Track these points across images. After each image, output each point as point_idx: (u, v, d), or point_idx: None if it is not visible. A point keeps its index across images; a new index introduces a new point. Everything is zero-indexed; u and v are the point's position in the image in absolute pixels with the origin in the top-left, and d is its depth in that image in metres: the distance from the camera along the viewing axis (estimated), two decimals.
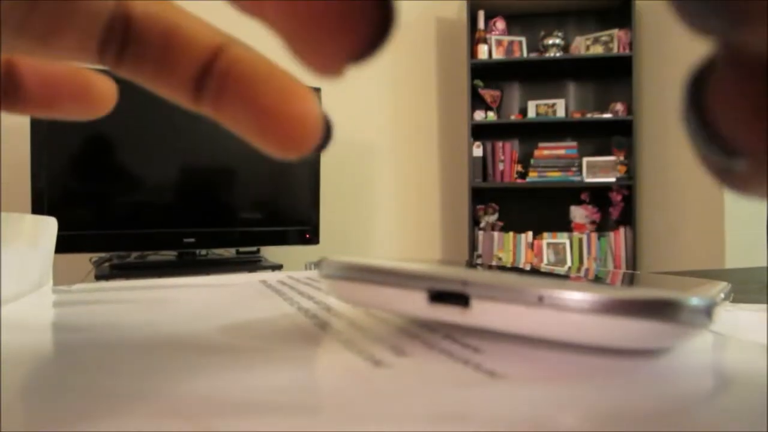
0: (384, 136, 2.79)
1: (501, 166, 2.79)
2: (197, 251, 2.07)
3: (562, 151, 2.78)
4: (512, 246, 2.79)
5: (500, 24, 2.81)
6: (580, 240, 2.75)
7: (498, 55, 2.75)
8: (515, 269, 0.23)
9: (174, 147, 2.01)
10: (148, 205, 1.99)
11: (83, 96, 0.15)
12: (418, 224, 2.87)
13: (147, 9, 0.12)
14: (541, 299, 0.15)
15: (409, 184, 2.86)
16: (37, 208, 1.78)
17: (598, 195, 2.81)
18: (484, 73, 2.80)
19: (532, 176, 2.76)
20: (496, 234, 2.81)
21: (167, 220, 1.99)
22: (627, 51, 2.63)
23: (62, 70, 0.15)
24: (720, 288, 0.18)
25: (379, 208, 2.80)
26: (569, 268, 0.27)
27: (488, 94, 2.83)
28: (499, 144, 2.80)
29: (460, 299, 0.17)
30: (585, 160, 2.74)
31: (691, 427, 0.11)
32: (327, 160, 2.31)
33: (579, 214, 2.82)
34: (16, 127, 2.06)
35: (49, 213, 0.31)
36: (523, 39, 2.80)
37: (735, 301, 0.25)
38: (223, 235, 2.07)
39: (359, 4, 0.10)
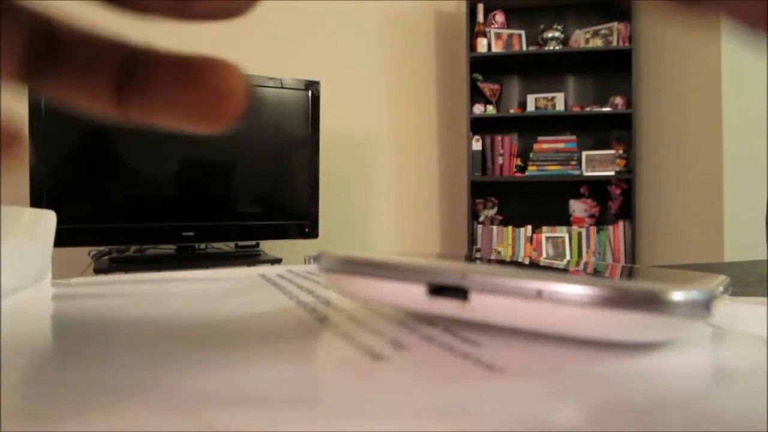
0: (383, 130, 2.79)
1: (500, 160, 2.79)
2: (196, 245, 2.07)
3: (561, 145, 2.78)
4: (511, 240, 2.79)
5: (499, 17, 2.80)
6: (579, 234, 2.76)
7: (497, 48, 2.74)
8: (514, 263, 0.23)
9: (173, 140, 2.01)
10: (147, 198, 1.98)
11: None
12: (417, 218, 2.87)
13: (64, 16, 0.12)
14: (539, 293, 0.15)
15: (408, 178, 2.85)
16: (36, 201, 1.78)
17: (597, 189, 2.81)
18: (484, 67, 2.80)
19: (531, 170, 2.76)
20: (495, 228, 2.81)
21: (166, 213, 1.99)
22: (626, 44, 2.63)
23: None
24: (719, 281, 0.18)
25: (378, 202, 2.80)
26: (568, 261, 0.27)
27: (487, 88, 2.83)
28: (498, 138, 2.79)
29: (459, 293, 0.17)
30: (584, 153, 2.74)
31: (691, 421, 0.11)
32: (326, 154, 2.31)
33: (578, 207, 2.82)
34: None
35: (48, 206, 0.31)
36: (523, 32, 2.79)
37: (734, 294, 0.25)
38: (223, 228, 2.07)
39: None
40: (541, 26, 2.77)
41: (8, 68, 0.12)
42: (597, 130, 2.79)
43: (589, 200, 2.81)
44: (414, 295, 0.17)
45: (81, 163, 1.89)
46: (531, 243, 2.78)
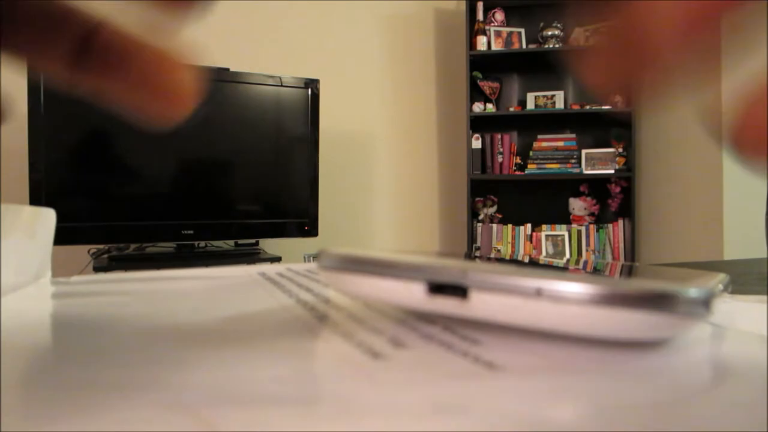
0: (382, 128, 2.79)
1: (500, 158, 2.79)
2: (196, 243, 2.07)
3: (560, 143, 2.78)
4: (511, 238, 2.79)
5: (499, 15, 2.80)
6: (579, 232, 2.76)
7: (497, 46, 2.74)
8: (514, 261, 0.23)
9: (173, 138, 2.01)
10: (146, 196, 1.98)
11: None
12: (417, 216, 2.87)
13: None
14: (539, 291, 0.15)
15: (407, 177, 2.85)
16: (35, 199, 1.78)
17: (597, 187, 2.81)
18: (483, 65, 2.80)
19: (531, 168, 2.76)
20: (494, 226, 2.81)
21: (166, 212, 1.99)
22: None
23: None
24: (719, 279, 0.18)
25: (377, 200, 2.80)
26: (568, 260, 0.27)
27: (487, 86, 2.83)
28: (498, 136, 2.79)
29: (459, 291, 0.17)
30: (584, 152, 2.74)
31: (691, 419, 0.11)
32: (325, 152, 2.31)
33: (578, 206, 2.82)
34: (14, 116, 2.05)
35: (47, 204, 0.31)
36: (522, 30, 2.79)
37: (734, 292, 0.25)
38: (222, 227, 2.07)
39: None
40: (541, 24, 2.77)
41: None
42: (597, 128, 2.79)
43: (588, 198, 2.81)
44: (414, 293, 0.17)
45: (80, 161, 1.89)
46: (531, 241, 2.78)
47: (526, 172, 2.77)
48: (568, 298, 0.15)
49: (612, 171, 2.70)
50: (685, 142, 2.54)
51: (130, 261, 1.94)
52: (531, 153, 2.78)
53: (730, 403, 0.12)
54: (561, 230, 2.77)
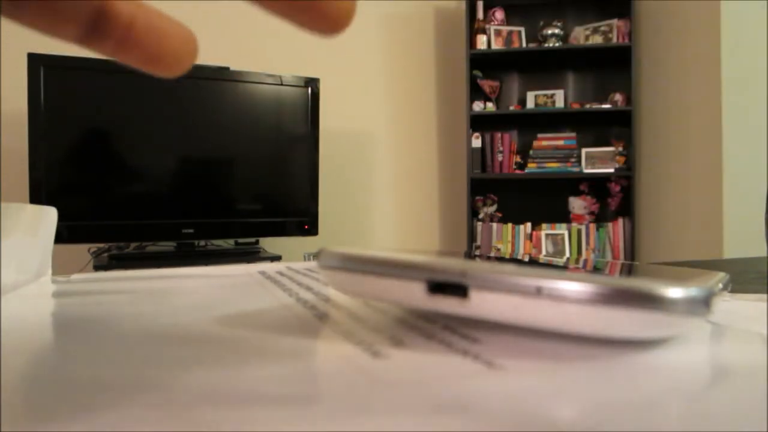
0: (383, 127, 2.79)
1: (500, 157, 2.79)
2: (196, 242, 2.07)
3: (560, 142, 2.78)
4: (511, 237, 2.79)
5: (499, 14, 2.80)
6: (579, 231, 2.76)
7: (497, 45, 2.74)
8: (514, 260, 0.23)
9: (173, 137, 2.01)
10: (146, 195, 1.98)
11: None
12: (417, 215, 2.87)
13: None
14: (539, 290, 0.15)
15: (407, 175, 2.85)
16: (35, 198, 1.78)
17: (597, 186, 2.81)
18: (483, 64, 2.79)
19: (531, 167, 2.76)
20: (494, 225, 2.81)
21: (166, 210, 1.99)
22: (626, 41, 2.63)
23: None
24: (718, 278, 0.18)
25: (377, 199, 2.80)
26: (568, 259, 0.27)
27: (487, 85, 2.82)
28: (498, 135, 2.79)
29: (459, 290, 0.17)
30: (584, 150, 2.74)
31: (691, 417, 0.11)
32: (326, 151, 2.31)
33: (577, 204, 2.82)
34: (15, 116, 2.06)
35: (48, 203, 0.31)
36: (522, 29, 2.79)
37: (734, 291, 0.25)
38: (222, 226, 2.07)
39: None
40: (541, 23, 2.76)
41: None
42: (597, 127, 2.79)
43: (588, 197, 2.81)
44: (414, 292, 0.17)
45: (81, 160, 1.89)
46: (530, 240, 2.78)
47: (526, 171, 2.77)
48: (567, 297, 0.15)
49: (612, 170, 2.69)
50: (685, 141, 2.54)
51: (131, 260, 1.94)
52: (531, 152, 2.78)
53: (730, 402, 0.12)
54: (561, 229, 2.77)
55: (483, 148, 2.78)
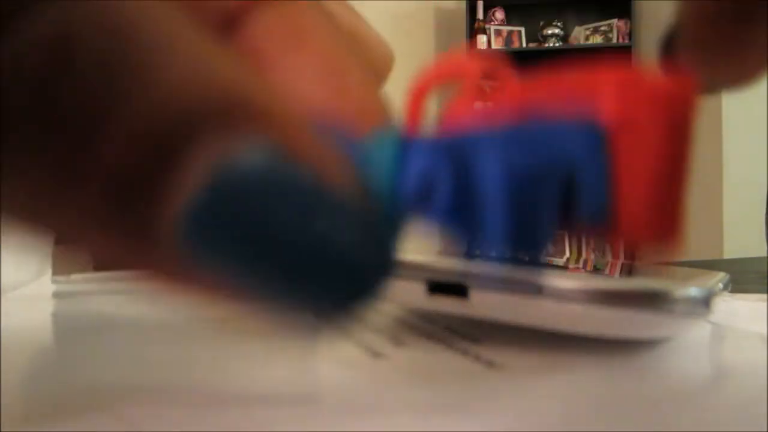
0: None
1: None
2: None
3: None
4: None
5: (499, 14, 2.80)
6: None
7: (497, 45, 2.74)
8: (514, 260, 0.23)
9: None
10: None
11: None
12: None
13: None
14: (539, 290, 0.15)
15: None
16: None
17: None
18: None
19: None
20: None
21: None
22: (626, 41, 2.63)
23: None
24: (718, 278, 0.18)
25: None
26: (568, 259, 0.27)
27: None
28: None
29: (459, 290, 0.17)
30: None
31: (690, 417, 0.11)
32: None
33: None
34: None
35: None
36: (522, 29, 2.79)
37: (733, 291, 0.25)
38: None
39: None
40: (541, 23, 2.76)
41: None
42: None
43: None
44: (414, 292, 0.17)
45: None
46: None
47: None
48: (568, 297, 0.15)
49: None
50: None
51: None
52: None
53: (730, 402, 0.12)
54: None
55: None
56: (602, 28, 2.70)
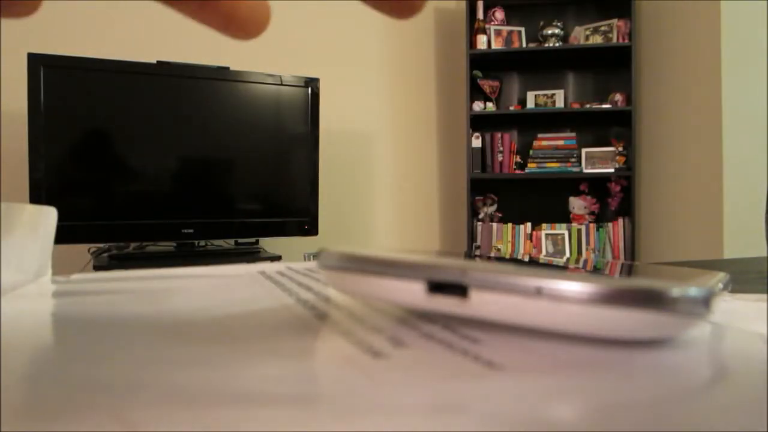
0: (383, 127, 2.79)
1: (500, 157, 2.79)
2: (196, 242, 2.07)
3: (560, 142, 2.78)
4: (511, 237, 2.79)
5: (499, 14, 2.80)
6: (579, 231, 2.76)
7: (497, 45, 2.74)
8: (514, 260, 0.23)
9: (173, 137, 2.01)
10: (146, 195, 1.98)
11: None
12: (417, 215, 2.87)
13: None
14: (539, 290, 0.15)
15: (407, 175, 2.85)
16: (35, 198, 1.78)
17: (597, 186, 2.81)
18: (483, 64, 2.79)
19: (531, 167, 2.76)
20: (494, 225, 2.81)
21: (166, 210, 1.99)
22: (626, 41, 2.63)
23: None
24: (718, 278, 0.18)
25: (377, 199, 2.80)
26: (568, 259, 0.27)
27: (487, 85, 2.82)
28: (498, 135, 2.79)
29: (459, 290, 0.17)
30: (584, 150, 2.74)
31: (690, 418, 0.11)
32: (325, 151, 2.31)
33: (578, 204, 2.82)
34: (15, 116, 2.06)
35: (48, 203, 0.31)
36: (522, 29, 2.79)
37: (734, 291, 0.25)
38: (222, 226, 2.07)
39: None
40: (541, 23, 2.76)
41: None
42: (597, 127, 2.79)
43: (588, 197, 2.81)
44: (413, 292, 0.17)
45: (81, 160, 1.89)
46: (530, 240, 2.78)
47: (526, 170, 2.77)
48: (568, 297, 0.15)
49: (612, 170, 2.69)
50: (685, 141, 2.54)
51: (130, 260, 1.94)
52: (531, 152, 2.78)
53: (730, 402, 0.12)
54: (561, 229, 2.77)
55: (483, 148, 2.78)
56: (602, 28, 2.70)
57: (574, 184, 2.83)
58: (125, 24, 2.29)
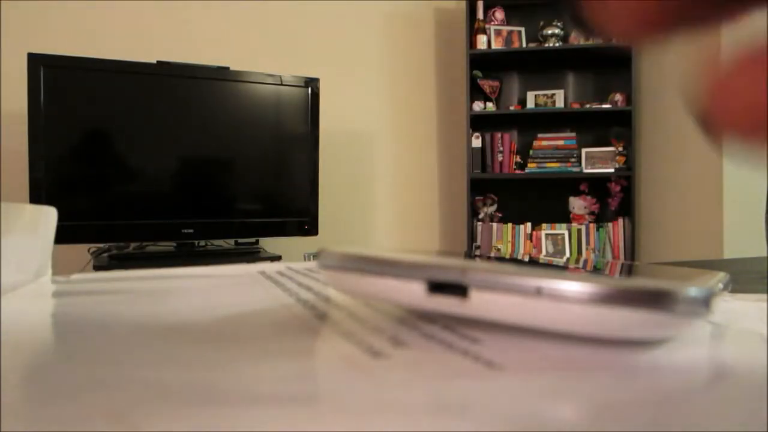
0: (383, 127, 2.79)
1: (500, 157, 2.79)
2: (195, 242, 2.07)
3: (561, 142, 2.78)
4: (511, 237, 2.79)
5: (499, 14, 2.80)
6: (579, 231, 2.76)
7: (497, 45, 2.74)
8: (514, 260, 0.23)
9: (173, 137, 2.01)
10: (146, 195, 1.98)
11: None
12: (417, 215, 2.87)
13: None
14: (539, 290, 0.15)
15: (407, 175, 2.85)
16: (35, 198, 1.78)
17: (597, 186, 2.81)
18: (483, 64, 2.79)
19: (531, 167, 2.76)
20: (494, 225, 2.81)
21: (166, 210, 1.99)
22: None
23: None
24: (718, 278, 0.18)
25: (377, 199, 2.80)
26: (568, 259, 0.27)
27: (487, 85, 2.82)
28: (498, 135, 2.79)
29: (459, 290, 0.17)
30: (584, 150, 2.74)
31: (690, 418, 0.11)
32: (325, 151, 2.31)
33: (578, 205, 2.82)
34: (15, 116, 2.06)
35: (48, 203, 0.31)
36: (522, 29, 2.79)
37: (734, 291, 0.25)
38: (222, 226, 2.07)
39: None
40: (541, 23, 2.76)
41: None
42: (597, 127, 2.79)
43: (588, 197, 2.81)
44: (413, 292, 0.17)
45: (81, 160, 1.89)
46: (530, 240, 2.78)
47: (526, 170, 2.77)
48: (567, 297, 0.15)
49: (612, 170, 2.69)
50: (685, 141, 2.54)
51: (130, 260, 1.94)
52: (531, 152, 2.78)
53: (729, 402, 0.12)
54: (561, 229, 2.77)
55: (483, 148, 2.78)
56: None
57: (574, 184, 2.83)
58: (125, 24, 2.29)
